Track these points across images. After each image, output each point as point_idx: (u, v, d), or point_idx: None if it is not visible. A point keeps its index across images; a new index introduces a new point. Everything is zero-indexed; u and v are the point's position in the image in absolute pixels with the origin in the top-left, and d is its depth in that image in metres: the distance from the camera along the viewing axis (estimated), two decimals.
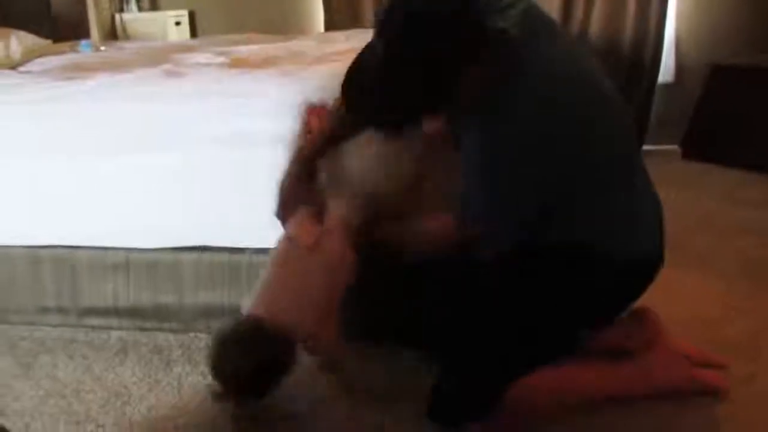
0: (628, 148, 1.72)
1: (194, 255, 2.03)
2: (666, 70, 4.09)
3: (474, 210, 1.56)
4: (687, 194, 3.16)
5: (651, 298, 1.99)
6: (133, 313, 2.08)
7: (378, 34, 1.51)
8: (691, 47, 4.07)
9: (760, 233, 2.75)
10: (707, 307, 2.18)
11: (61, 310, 2.12)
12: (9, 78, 2.36)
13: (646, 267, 1.68)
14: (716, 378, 1.75)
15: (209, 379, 1.70)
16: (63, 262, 2.09)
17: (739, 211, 2.93)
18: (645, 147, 4.11)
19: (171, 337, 2.06)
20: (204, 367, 1.85)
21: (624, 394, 1.70)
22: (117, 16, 4.41)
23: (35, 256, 2.10)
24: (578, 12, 4.00)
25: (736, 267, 2.46)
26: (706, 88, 3.86)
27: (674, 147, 3.99)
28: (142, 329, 2.09)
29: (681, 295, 2.26)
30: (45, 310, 2.13)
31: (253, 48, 2.91)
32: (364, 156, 1.74)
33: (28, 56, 2.98)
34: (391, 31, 1.48)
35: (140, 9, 4.48)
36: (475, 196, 1.55)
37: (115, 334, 2.10)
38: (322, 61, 2.39)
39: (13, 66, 2.81)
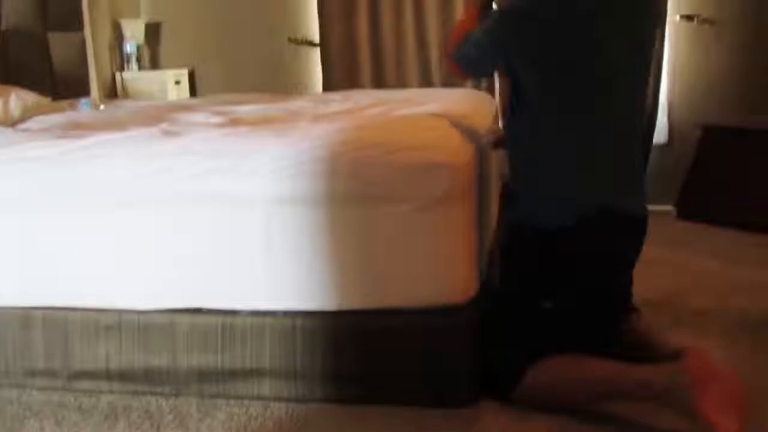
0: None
1: (188, 317, 2.00)
2: (659, 132, 4.13)
3: None
4: (683, 254, 3.16)
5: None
6: (125, 376, 2.04)
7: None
8: (683, 109, 4.13)
9: (758, 292, 2.74)
10: None
11: (50, 373, 2.09)
12: (5, 135, 2.37)
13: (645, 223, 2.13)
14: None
15: None
16: (55, 324, 2.07)
17: (735, 270, 2.93)
18: None
19: (162, 401, 2.02)
20: None
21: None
22: (118, 75, 4.46)
23: (27, 317, 2.08)
24: None
25: (735, 326, 2.45)
26: (698, 149, 3.90)
27: (669, 207, 4.00)
28: (133, 393, 2.05)
29: None
30: (34, 373, 2.10)
31: (251, 107, 2.93)
32: None
33: (28, 114, 2.99)
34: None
35: (141, 68, 4.54)
36: None
37: (105, 398, 2.05)
38: (320, 120, 2.40)
39: (12, 123, 2.82)
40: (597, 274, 2.01)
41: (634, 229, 2.10)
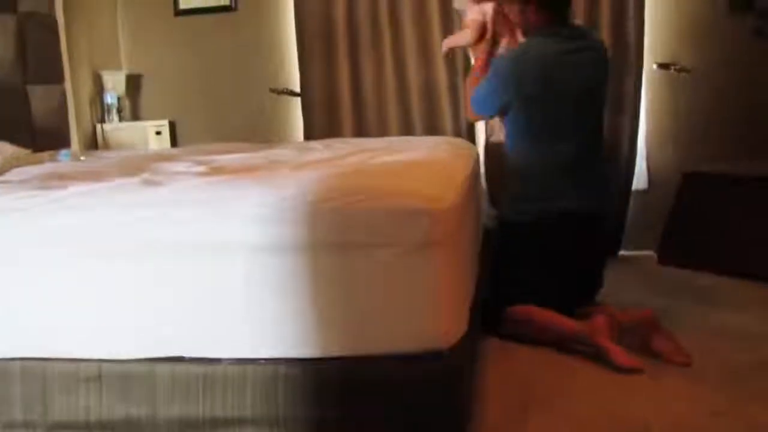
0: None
1: (169, 365, 1.97)
2: (639, 177, 4.18)
3: None
4: (664, 300, 3.17)
5: (635, 405, 2.05)
6: (104, 427, 2.00)
7: None
8: (663, 156, 4.19)
9: (739, 338, 2.74)
10: (693, 415, 2.15)
11: (28, 425, 2.04)
12: None
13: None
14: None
15: None
16: (33, 375, 2.02)
17: (717, 315, 2.94)
18: (621, 252, 4.17)
19: None
20: None
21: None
22: (98, 126, 4.46)
23: (4, 368, 2.04)
24: None
25: (718, 372, 2.45)
26: (678, 195, 3.94)
27: (650, 253, 4.03)
28: None
29: (665, 403, 2.24)
30: (11, 425, 2.05)
31: (232, 156, 2.94)
32: None
33: (7, 166, 2.98)
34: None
35: (121, 119, 4.55)
36: None
37: None
38: (301, 168, 2.41)
39: None
40: (560, 258, 2.86)
41: (592, 225, 2.92)
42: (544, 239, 2.85)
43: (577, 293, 2.95)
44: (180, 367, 1.96)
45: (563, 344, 2.71)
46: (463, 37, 3.27)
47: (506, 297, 2.82)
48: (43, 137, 3.83)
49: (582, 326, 2.69)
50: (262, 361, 1.93)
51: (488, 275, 2.89)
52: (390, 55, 4.26)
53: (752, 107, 3.98)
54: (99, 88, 4.52)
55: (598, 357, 2.58)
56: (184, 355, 1.97)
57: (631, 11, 3.97)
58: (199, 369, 1.96)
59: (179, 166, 2.70)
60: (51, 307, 2.01)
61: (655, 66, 4.10)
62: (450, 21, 4.17)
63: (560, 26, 2.91)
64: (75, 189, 2.20)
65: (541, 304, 2.78)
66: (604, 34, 3.99)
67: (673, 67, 4.08)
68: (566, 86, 2.83)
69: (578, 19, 3.99)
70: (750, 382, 2.37)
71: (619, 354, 2.53)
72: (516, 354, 2.70)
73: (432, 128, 4.22)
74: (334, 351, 1.90)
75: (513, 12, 2.97)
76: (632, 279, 3.62)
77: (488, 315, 2.74)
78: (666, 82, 4.14)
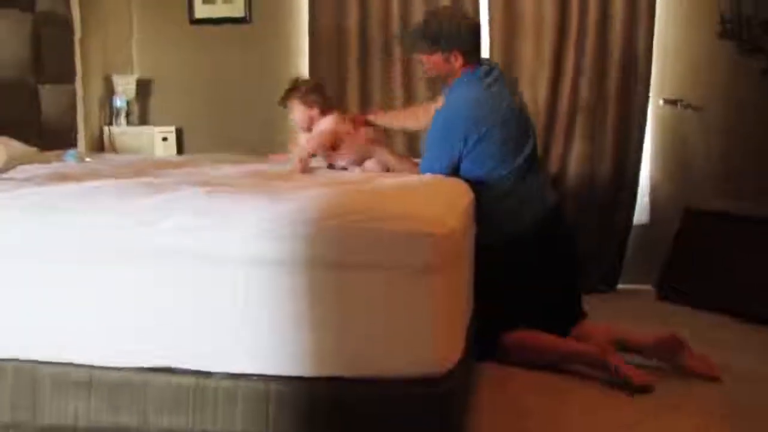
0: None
1: (160, 376, 1.97)
2: (640, 212, 4.18)
3: None
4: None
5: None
6: None
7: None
8: (666, 191, 4.19)
9: (737, 377, 2.74)
10: None
11: (17, 427, 2.03)
12: None
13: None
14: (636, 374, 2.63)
15: None
16: (24, 376, 2.02)
17: (714, 353, 2.92)
18: (620, 286, 4.16)
19: None
20: None
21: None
22: (106, 129, 4.47)
23: None
24: (557, 150, 4.12)
25: (715, 411, 2.45)
26: (680, 232, 3.94)
27: (648, 287, 4.02)
28: None
29: None
30: None
31: (236, 168, 2.94)
32: None
33: (12, 163, 2.98)
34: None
35: (129, 123, 4.55)
36: None
37: None
38: (307, 186, 2.41)
39: None
40: (541, 272, 2.96)
41: (553, 226, 3.05)
42: (514, 255, 2.91)
43: (563, 313, 3.03)
44: (171, 378, 1.96)
45: (564, 365, 2.79)
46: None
47: (495, 324, 2.84)
48: (50, 136, 3.84)
49: (588, 347, 2.77)
50: (255, 377, 1.92)
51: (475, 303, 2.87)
52: (400, 69, 4.28)
53: (758, 147, 3.99)
54: (109, 91, 4.53)
55: (609, 377, 2.66)
56: (176, 366, 1.96)
57: (640, 47, 3.99)
58: (190, 381, 1.95)
59: (183, 174, 2.71)
60: (45, 309, 2.01)
61: (661, 102, 4.11)
62: None
63: (479, 65, 3.04)
64: (76, 188, 2.20)
65: (529, 325, 2.86)
66: (613, 69, 4.01)
67: (680, 104, 4.09)
68: (501, 115, 2.95)
69: (588, 52, 4.01)
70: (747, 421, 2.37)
71: (634, 371, 2.61)
72: (512, 379, 2.71)
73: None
74: (328, 371, 1.90)
75: (433, 61, 3.02)
76: (630, 313, 3.62)
77: (482, 343, 2.74)
78: (672, 117, 4.15)
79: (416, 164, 3.08)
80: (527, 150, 3.03)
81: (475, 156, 2.93)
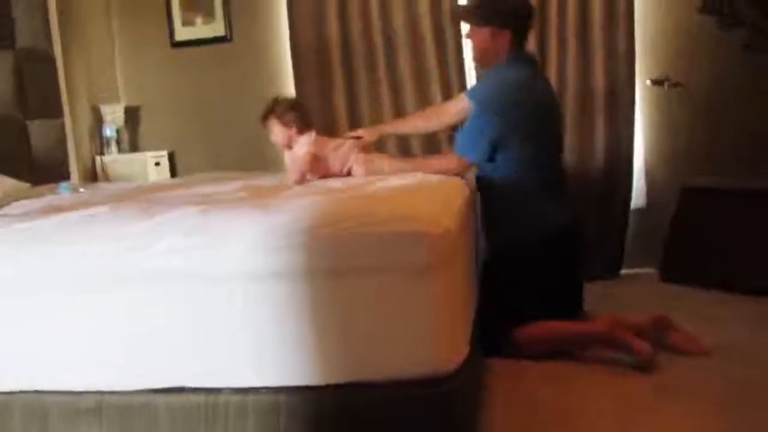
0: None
1: (169, 396, 1.97)
2: (637, 195, 4.18)
3: None
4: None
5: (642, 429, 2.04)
6: None
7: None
8: (660, 172, 4.19)
9: (741, 355, 2.73)
10: None
11: None
12: None
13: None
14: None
15: None
16: (33, 408, 2.02)
17: (719, 332, 2.92)
18: (623, 271, 4.16)
19: None
20: None
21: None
22: (98, 158, 4.48)
23: (3, 403, 2.03)
24: None
25: (721, 391, 2.44)
26: (678, 211, 3.94)
27: (652, 270, 4.02)
28: None
29: (669, 425, 2.23)
30: None
31: (230, 185, 2.95)
32: None
33: (6, 200, 2.99)
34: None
35: (120, 151, 4.57)
36: None
37: None
38: (299, 196, 2.41)
39: None
40: (557, 271, 2.96)
41: (576, 235, 3.05)
42: (537, 257, 2.91)
43: (566, 303, 3.07)
44: (180, 398, 1.96)
45: (574, 349, 2.82)
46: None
47: (506, 320, 2.81)
48: (42, 171, 3.84)
49: (598, 326, 2.80)
50: (263, 390, 1.92)
51: (483, 301, 2.86)
52: (386, 82, 4.29)
53: (747, 120, 4.00)
54: (98, 121, 4.55)
55: (616, 356, 2.71)
56: (185, 385, 1.97)
57: (621, 28, 3.99)
58: (199, 399, 1.95)
59: (177, 197, 2.71)
60: (48, 339, 2.01)
61: (648, 82, 4.12)
62: (444, 45, 4.20)
63: (524, 52, 3.01)
64: (71, 217, 2.20)
65: (535, 318, 2.85)
66: (596, 52, 4.02)
67: (666, 83, 4.10)
68: (541, 108, 2.93)
69: (570, 37, 4.02)
70: (752, 398, 2.36)
71: (643, 346, 2.63)
72: (523, 373, 2.70)
73: (430, 152, 4.24)
74: (335, 378, 1.90)
75: (480, 36, 2.97)
76: (634, 297, 3.62)
77: (488, 340, 2.73)
78: (660, 97, 4.15)
79: (419, 160, 3.08)
80: (558, 155, 3.03)
81: (510, 147, 2.87)
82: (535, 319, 2.84)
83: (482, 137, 2.88)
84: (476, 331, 2.51)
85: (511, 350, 2.80)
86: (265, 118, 3.24)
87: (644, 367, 2.62)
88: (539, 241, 2.90)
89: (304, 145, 3.18)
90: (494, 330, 2.75)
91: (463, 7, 3.33)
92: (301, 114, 3.24)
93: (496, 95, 2.89)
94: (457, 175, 2.90)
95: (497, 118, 2.86)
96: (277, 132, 3.21)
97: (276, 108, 3.22)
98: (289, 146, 3.22)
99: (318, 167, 3.13)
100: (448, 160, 2.99)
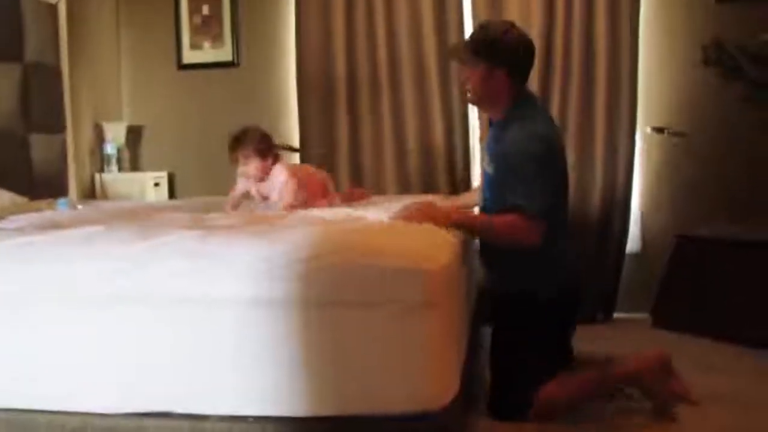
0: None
1: (156, 421, 1.95)
2: (632, 241, 4.20)
3: None
4: None
5: None
6: None
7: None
8: (656, 219, 4.20)
9: (733, 402, 2.73)
10: None
11: None
12: None
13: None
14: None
15: None
16: (19, 427, 2.00)
17: (710, 379, 2.92)
18: (615, 315, 4.16)
19: None
20: None
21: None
22: (97, 176, 4.48)
23: None
24: None
25: None
26: (672, 259, 3.95)
27: (644, 315, 4.02)
28: None
29: None
30: None
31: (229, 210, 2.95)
32: None
33: (3, 214, 2.99)
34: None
35: (120, 169, 4.57)
36: None
37: None
38: (298, 222, 2.42)
39: None
40: (564, 325, 2.79)
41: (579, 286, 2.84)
42: (554, 313, 2.68)
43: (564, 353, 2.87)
44: (167, 423, 1.94)
45: (600, 398, 2.72)
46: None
47: (526, 380, 2.58)
48: (41, 186, 3.85)
49: (629, 367, 2.67)
50: (251, 419, 1.91)
51: (497, 362, 2.71)
52: (389, 113, 4.32)
53: (746, 171, 4.02)
54: (99, 138, 4.56)
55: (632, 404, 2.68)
56: (172, 410, 1.95)
57: (624, 76, 4.03)
58: (186, 424, 1.93)
59: (175, 218, 2.71)
60: (36, 358, 1.99)
61: (649, 130, 4.15)
62: (448, 81, 4.23)
63: (527, 92, 2.74)
64: (64, 239, 2.20)
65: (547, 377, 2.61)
66: (599, 98, 4.05)
67: (667, 131, 4.12)
68: (564, 158, 2.80)
69: (573, 82, 4.05)
70: None
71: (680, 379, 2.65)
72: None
73: (428, 185, 4.26)
74: (325, 410, 1.89)
75: (476, 75, 2.66)
76: (625, 341, 3.61)
77: (507, 402, 2.59)
78: (660, 145, 4.18)
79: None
80: (566, 204, 2.82)
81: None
82: (550, 376, 2.58)
83: (544, 190, 2.54)
84: (492, 393, 2.62)
85: (536, 415, 2.54)
86: (235, 149, 3.11)
87: (663, 411, 2.60)
88: (558, 293, 2.69)
89: (281, 172, 3.12)
90: (514, 391, 2.57)
91: (457, 44, 3.18)
92: (271, 143, 3.15)
93: (541, 148, 2.57)
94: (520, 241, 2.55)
95: (549, 167, 2.59)
96: (256, 163, 3.10)
97: (249, 139, 3.10)
98: (263, 178, 3.14)
99: (302, 193, 3.11)
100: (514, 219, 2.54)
